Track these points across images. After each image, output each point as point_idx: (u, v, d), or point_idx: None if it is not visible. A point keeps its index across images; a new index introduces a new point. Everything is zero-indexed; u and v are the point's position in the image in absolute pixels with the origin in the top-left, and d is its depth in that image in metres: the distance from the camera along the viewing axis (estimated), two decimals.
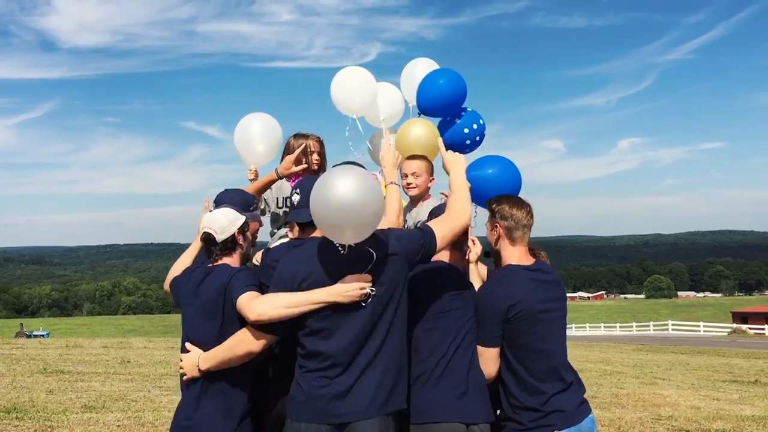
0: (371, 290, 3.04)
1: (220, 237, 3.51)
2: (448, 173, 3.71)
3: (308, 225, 3.38)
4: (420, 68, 5.18)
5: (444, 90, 4.65)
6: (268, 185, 4.79)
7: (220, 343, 3.28)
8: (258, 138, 5.09)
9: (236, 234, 3.55)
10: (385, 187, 3.78)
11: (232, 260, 3.56)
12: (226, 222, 3.53)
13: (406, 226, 4.36)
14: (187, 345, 3.41)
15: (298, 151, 4.74)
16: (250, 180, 5.00)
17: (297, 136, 5.00)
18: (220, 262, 3.54)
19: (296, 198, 3.52)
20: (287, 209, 4.86)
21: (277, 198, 5.07)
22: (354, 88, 5.13)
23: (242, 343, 3.19)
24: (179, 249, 3.96)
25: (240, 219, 3.59)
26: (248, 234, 3.67)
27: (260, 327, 3.13)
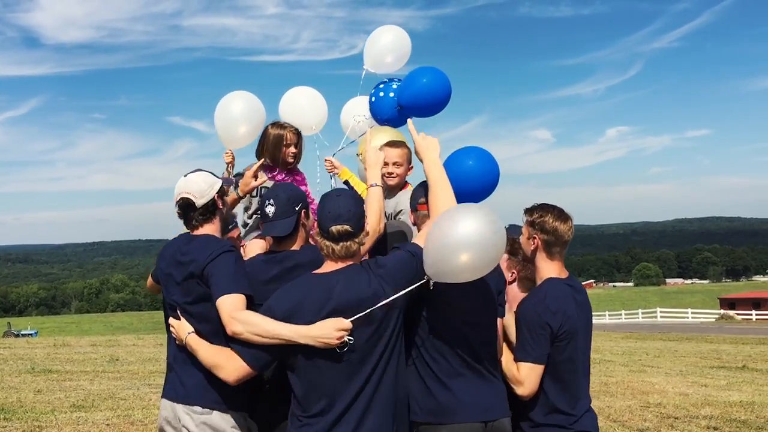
0: (348, 339, 2.81)
1: (199, 201, 3.27)
2: (421, 160, 3.47)
3: (285, 237, 3.27)
4: (386, 37, 5.31)
5: (431, 90, 4.53)
6: (232, 205, 4.45)
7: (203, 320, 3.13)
8: (240, 119, 4.93)
9: (216, 198, 3.33)
10: (368, 188, 3.55)
11: (214, 228, 3.34)
12: (204, 185, 3.29)
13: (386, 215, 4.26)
14: (172, 321, 3.23)
15: (255, 166, 4.50)
16: (227, 163, 4.89)
17: (274, 125, 4.85)
18: (201, 230, 3.31)
19: (270, 209, 3.28)
20: (257, 197, 4.69)
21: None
22: (303, 110, 5.22)
23: (221, 369, 2.98)
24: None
25: (217, 182, 3.37)
26: (226, 198, 3.47)
27: (243, 357, 2.93)
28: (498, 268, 3.38)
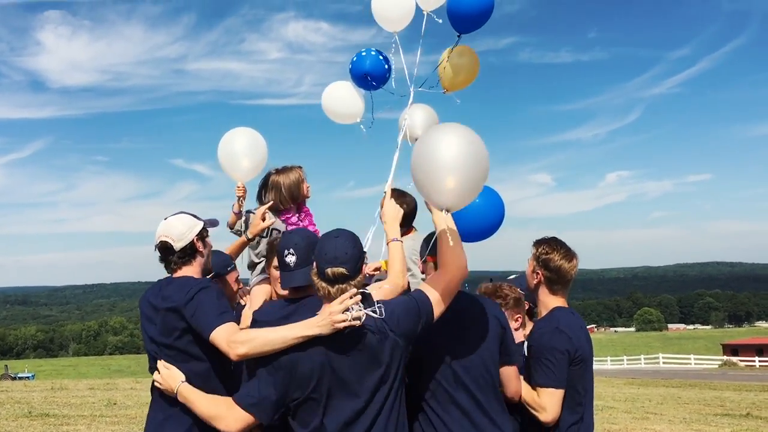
0: (356, 314, 2.79)
1: (178, 245, 3.30)
2: (430, 211, 3.38)
3: (302, 287, 3.18)
4: None
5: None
6: (241, 248, 4.57)
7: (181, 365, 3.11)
8: (242, 153, 4.99)
9: (195, 240, 3.34)
10: (387, 244, 3.49)
11: (192, 269, 3.34)
12: (183, 228, 3.33)
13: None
14: (162, 364, 3.18)
15: (263, 208, 4.59)
16: (238, 196, 4.93)
17: (278, 171, 4.92)
18: (179, 272, 3.32)
19: (291, 259, 3.19)
20: (269, 237, 4.72)
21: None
22: (343, 101, 5.75)
23: (221, 420, 2.91)
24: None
25: (198, 224, 3.39)
26: (207, 240, 3.45)
27: (245, 405, 2.87)
28: (495, 318, 3.37)
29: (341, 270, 2.87)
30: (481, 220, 3.78)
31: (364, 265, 3.02)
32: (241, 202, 4.87)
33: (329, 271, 2.87)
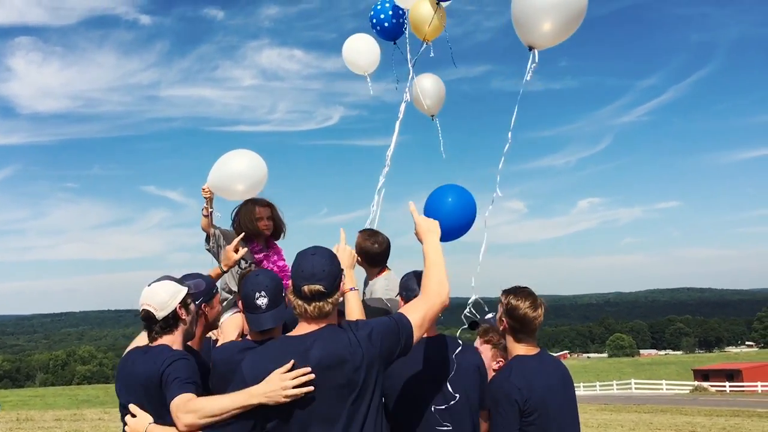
0: (298, 389, 2.70)
1: (160, 314, 3.23)
2: (420, 241, 3.40)
3: (269, 329, 3.18)
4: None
5: None
6: (216, 280, 4.50)
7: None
8: (238, 177, 5.00)
9: (178, 309, 3.27)
10: (343, 294, 3.42)
11: (173, 339, 3.27)
12: (166, 297, 3.25)
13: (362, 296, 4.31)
14: (132, 408, 3.14)
15: (236, 240, 4.61)
16: (205, 198, 5.02)
17: (248, 201, 4.98)
18: (159, 341, 3.26)
19: (263, 301, 3.19)
20: (241, 270, 4.74)
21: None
22: (360, 51, 6.44)
23: None
24: (137, 315, 3.65)
25: (181, 291, 3.31)
26: (191, 307, 3.37)
27: None
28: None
29: (318, 287, 2.83)
30: (454, 219, 3.82)
31: (341, 283, 2.98)
32: (208, 205, 4.95)
33: (306, 288, 2.84)
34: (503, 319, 3.56)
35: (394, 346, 2.93)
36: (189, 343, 3.44)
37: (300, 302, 2.87)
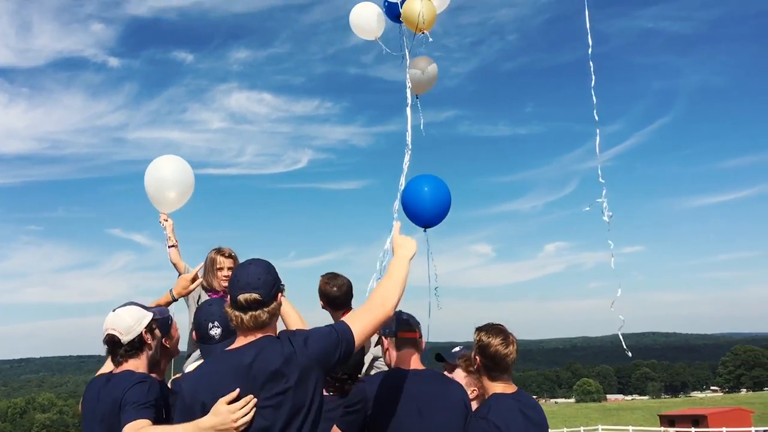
0: (244, 419, 2.64)
1: (125, 338, 3.21)
2: (393, 254, 3.38)
3: None
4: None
5: None
6: (165, 306, 4.44)
7: None
8: (170, 184, 5.07)
9: (143, 333, 3.26)
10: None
11: (138, 363, 3.26)
12: (131, 321, 3.24)
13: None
14: None
15: (194, 271, 4.60)
16: (161, 222, 5.06)
17: (216, 251, 5.03)
18: (124, 366, 3.23)
19: (216, 332, 3.20)
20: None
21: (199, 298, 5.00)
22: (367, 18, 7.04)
23: None
24: (100, 360, 3.66)
25: (147, 316, 3.32)
26: (156, 332, 3.37)
27: None
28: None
29: (254, 296, 2.79)
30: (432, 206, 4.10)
31: (280, 294, 2.92)
32: (167, 232, 4.99)
33: (241, 297, 2.79)
34: (476, 357, 3.59)
35: (331, 354, 2.86)
36: (153, 375, 3.39)
37: (237, 313, 2.81)
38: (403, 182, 5.86)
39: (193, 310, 4.85)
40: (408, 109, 6.52)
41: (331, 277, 4.69)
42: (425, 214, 4.89)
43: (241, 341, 2.84)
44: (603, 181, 5.59)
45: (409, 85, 6.61)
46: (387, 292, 3.13)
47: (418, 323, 3.70)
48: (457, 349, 4.45)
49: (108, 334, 3.25)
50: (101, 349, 3.39)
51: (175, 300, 4.42)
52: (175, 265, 5.08)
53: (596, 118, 5.62)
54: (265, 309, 2.82)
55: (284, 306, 3.42)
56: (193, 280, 4.44)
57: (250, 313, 2.79)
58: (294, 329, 3.03)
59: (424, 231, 5.13)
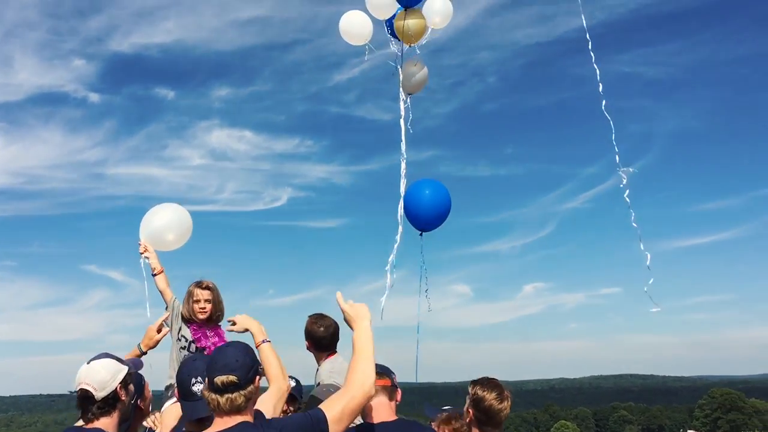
0: None
1: (99, 394, 3.09)
2: (351, 328, 3.34)
3: (206, 418, 3.06)
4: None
5: None
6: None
7: None
8: (167, 228, 5.13)
9: (118, 389, 3.15)
10: (257, 347, 3.45)
11: (110, 421, 3.13)
12: (107, 376, 3.13)
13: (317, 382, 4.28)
14: None
15: (159, 320, 4.59)
16: (142, 251, 5.01)
17: (195, 283, 5.00)
18: (95, 423, 3.10)
19: (199, 387, 3.12)
20: (187, 351, 4.70)
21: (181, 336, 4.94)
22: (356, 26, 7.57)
23: None
24: (70, 400, 3.50)
25: (122, 371, 3.21)
26: (131, 387, 3.27)
27: None
28: None
29: (231, 378, 2.78)
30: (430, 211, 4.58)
31: (257, 377, 2.91)
32: (152, 260, 4.97)
33: (218, 380, 2.78)
34: (469, 410, 3.58)
35: None
36: None
37: (213, 396, 2.80)
38: (402, 188, 6.28)
39: (175, 342, 4.81)
40: (401, 105, 7.17)
41: (318, 318, 4.63)
42: (422, 218, 5.41)
43: (217, 425, 2.83)
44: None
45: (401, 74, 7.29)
46: (363, 372, 3.09)
47: (392, 372, 3.65)
48: (447, 407, 4.40)
49: (81, 389, 3.12)
50: (72, 387, 3.31)
51: (144, 353, 4.39)
52: (162, 292, 5.02)
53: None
54: (242, 392, 2.81)
55: (265, 351, 3.44)
56: (159, 330, 4.42)
57: (226, 395, 2.79)
58: (270, 418, 2.97)
59: (420, 235, 5.63)
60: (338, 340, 4.67)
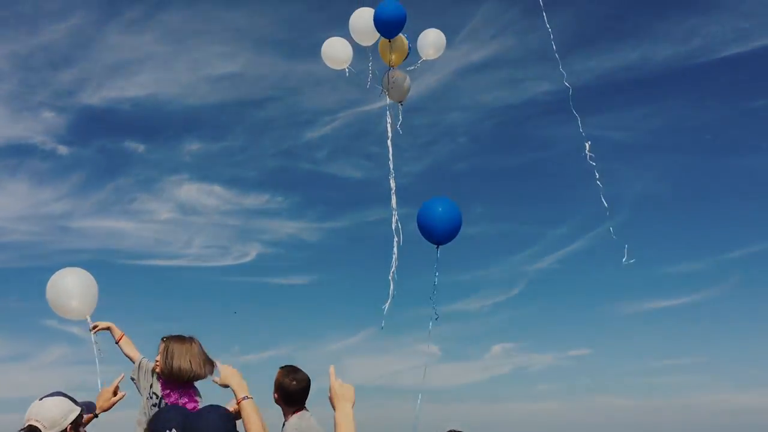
0: None
1: None
2: (333, 407, 3.20)
3: None
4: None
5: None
6: (86, 424, 4.12)
7: None
8: (72, 294, 5.11)
9: (68, 429, 3.04)
10: (238, 404, 3.34)
11: None
12: (58, 415, 3.01)
13: None
14: None
15: (115, 382, 4.41)
16: (92, 330, 4.99)
17: (163, 339, 4.84)
18: None
19: None
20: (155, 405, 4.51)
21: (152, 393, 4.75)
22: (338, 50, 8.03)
23: None
24: None
25: (74, 411, 3.10)
26: (82, 430, 3.19)
27: None
28: None
29: None
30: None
31: None
32: (112, 328, 4.92)
33: None
34: None
35: None
36: None
37: None
38: (394, 202, 7.18)
39: (146, 400, 4.58)
40: (387, 115, 7.75)
41: (291, 370, 4.48)
42: (437, 232, 6.16)
43: None
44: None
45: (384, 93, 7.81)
46: None
47: None
48: None
49: (29, 425, 2.98)
50: None
51: (96, 416, 4.19)
52: (130, 357, 4.84)
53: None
54: None
55: (247, 409, 3.27)
56: (115, 392, 4.26)
57: None
58: None
59: (437, 248, 6.43)
60: (307, 396, 4.51)
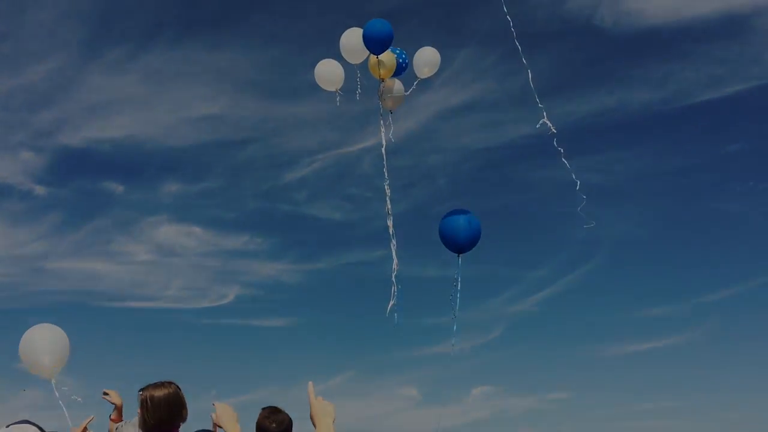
0: None
1: None
2: (314, 425, 3.13)
3: None
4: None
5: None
6: None
7: None
8: (44, 350, 4.98)
9: None
10: None
11: None
12: None
13: None
14: None
15: (84, 423, 4.40)
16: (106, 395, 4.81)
17: (140, 391, 4.75)
18: None
19: None
20: None
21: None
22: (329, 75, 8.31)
23: None
24: None
25: None
26: None
27: None
28: None
29: None
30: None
31: None
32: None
33: None
34: None
35: None
36: None
37: None
38: (389, 206, 7.73)
39: None
40: (381, 125, 8.16)
41: (272, 412, 4.40)
42: (459, 240, 6.72)
43: None
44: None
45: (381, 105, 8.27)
46: None
47: None
48: None
49: None
50: None
51: None
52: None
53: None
54: None
55: None
56: None
57: None
58: None
59: (458, 256, 6.88)
60: None
